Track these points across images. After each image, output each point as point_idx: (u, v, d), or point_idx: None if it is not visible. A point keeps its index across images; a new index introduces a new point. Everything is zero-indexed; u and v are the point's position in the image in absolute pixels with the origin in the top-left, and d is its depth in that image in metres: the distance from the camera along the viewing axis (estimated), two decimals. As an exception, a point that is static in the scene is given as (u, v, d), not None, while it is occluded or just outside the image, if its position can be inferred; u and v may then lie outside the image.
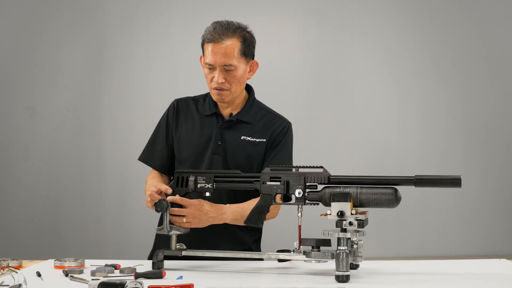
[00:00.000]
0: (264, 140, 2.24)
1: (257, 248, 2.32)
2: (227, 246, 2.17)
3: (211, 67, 2.16)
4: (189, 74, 4.04)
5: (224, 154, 2.22)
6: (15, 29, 4.00)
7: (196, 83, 4.03)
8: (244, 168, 2.06)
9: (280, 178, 1.88)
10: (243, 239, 2.25)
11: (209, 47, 2.14)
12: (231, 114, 2.26)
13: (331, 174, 1.85)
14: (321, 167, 1.86)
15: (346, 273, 1.71)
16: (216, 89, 2.18)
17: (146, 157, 2.35)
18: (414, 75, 4.13)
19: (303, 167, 1.87)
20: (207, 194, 1.95)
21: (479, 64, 4.13)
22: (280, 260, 1.93)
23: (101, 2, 4.03)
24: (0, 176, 3.96)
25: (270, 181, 1.89)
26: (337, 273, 1.72)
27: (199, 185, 1.94)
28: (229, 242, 2.21)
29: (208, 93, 2.32)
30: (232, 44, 2.14)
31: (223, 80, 2.15)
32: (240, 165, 2.18)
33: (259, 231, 2.33)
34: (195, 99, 2.35)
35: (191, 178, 1.94)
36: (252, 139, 2.23)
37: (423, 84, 4.12)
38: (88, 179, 3.98)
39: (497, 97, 4.13)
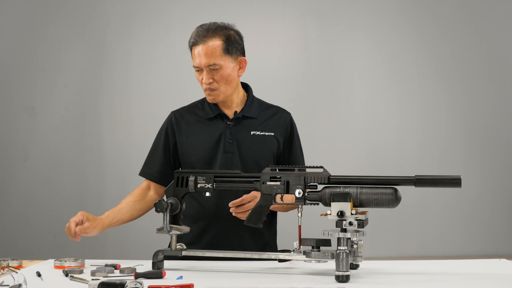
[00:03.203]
0: (272, 134, 2.29)
1: (275, 241, 2.37)
2: (251, 241, 2.23)
3: (198, 69, 2.21)
4: (189, 74, 4.02)
5: (238, 151, 2.24)
6: (15, 29, 4.00)
7: (196, 84, 4.04)
8: (261, 163, 2.07)
9: (280, 178, 1.88)
10: (262, 232, 2.28)
11: (194, 50, 2.21)
12: (235, 112, 2.28)
13: (331, 174, 1.85)
14: (321, 167, 1.86)
15: (346, 273, 1.71)
16: (206, 90, 2.22)
17: (145, 171, 2.38)
18: (414, 75, 4.13)
19: (303, 167, 1.87)
20: (207, 194, 1.95)
21: (479, 64, 4.14)
22: (280, 261, 1.93)
23: (101, 2, 4.03)
24: (0, 176, 3.96)
25: (270, 181, 1.89)
26: (337, 273, 1.72)
27: (199, 185, 1.94)
28: (251, 237, 2.24)
29: (204, 97, 2.34)
30: (214, 44, 2.17)
31: (211, 80, 2.20)
32: (257, 160, 2.21)
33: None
34: (191, 106, 2.37)
35: (191, 178, 1.94)
36: (262, 133, 2.28)
37: (423, 84, 4.12)
38: (88, 179, 3.98)
39: (497, 97, 4.13)
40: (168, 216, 1.91)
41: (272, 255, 1.90)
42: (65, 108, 4.00)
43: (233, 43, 2.21)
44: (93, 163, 3.98)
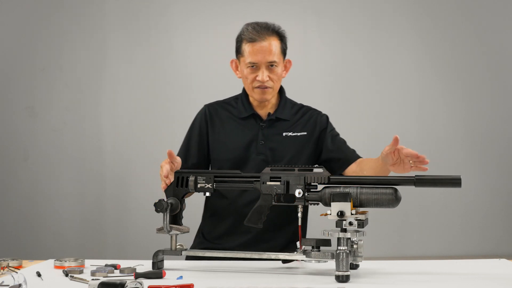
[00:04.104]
0: (305, 133, 2.31)
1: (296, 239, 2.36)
2: (279, 238, 2.25)
3: (255, 66, 2.21)
4: (189, 74, 4.04)
5: (270, 153, 2.25)
6: (15, 29, 4.00)
7: (196, 83, 4.04)
8: (294, 164, 2.07)
9: (280, 178, 1.88)
10: (291, 229, 2.28)
11: (251, 47, 2.21)
12: (269, 113, 2.30)
13: (331, 174, 1.85)
14: (321, 167, 1.86)
15: (346, 273, 1.71)
16: (259, 87, 2.23)
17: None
18: (414, 75, 4.13)
19: (303, 167, 1.87)
20: (207, 194, 1.96)
21: (478, 64, 4.14)
22: (284, 261, 1.93)
23: (101, 2, 4.03)
24: (0, 176, 3.96)
25: (270, 181, 1.89)
26: (337, 273, 1.72)
27: (199, 185, 1.94)
28: (279, 235, 2.25)
29: (239, 95, 2.37)
30: (274, 42, 2.23)
31: (268, 78, 2.21)
32: (289, 161, 2.22)
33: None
34: (225, 103, 2.38)
35: (191, 178, 1.94)
36: (293, 134, 2.30)
37: (423, 84, 4.12)
38: (88, 179, 3.97)
39: (496, 97, 4.13)
40: (168, 216, 1.91)
41: (272, 255, 1.90)
42: (65, 108, 4.00)
43: (285, 45, 2.29)
44: (93, 163, 3.98)
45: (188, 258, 2.26)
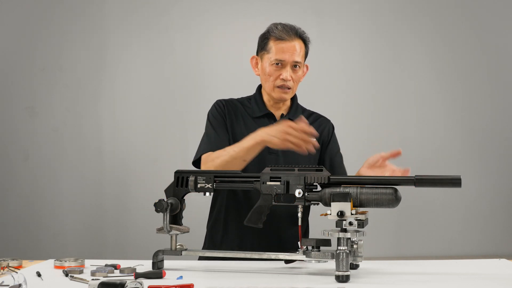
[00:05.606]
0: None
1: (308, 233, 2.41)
2: (290, 235, 2.25)
3: (281, 63, 2.23)
4: (189, 74, 4.04)
5: (282, 153, 2.26)
6: (15, 29, 4.00)
7: (196, 83, 4.04)
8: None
9: (280, 178, 1.88)
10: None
11: (279, 44, 2.23)
12: (282, 114, 2.33)
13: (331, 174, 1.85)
14: (321, 167, 1.86)
15: (346, 273, 1.71)
16: (281, 87, 2.25)
17: (212, 148, 2.24)
18: (414, 75, 4.13)
19: (303, 167, 1.87)
20: (207, 194, 1.95)
21: (478, 65, 4.14)
22: (287, 262, 1.93)
23: (101, 2, 4.03)
24: (0, 176, 3.96)
25: (270, 181, 1.89)
26: (337, 273, 1.72)
27: (199, 185, 1.94)
28: (290, 234, 2.26)
29: (252, 95, 2.38)
30: (301, 44, 2.26)
31: (290, 78, 2.24)
32: (299, 163, 2.20)
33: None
34: (238, 100, 2.39)
35: (191, 178, 1.94)
36: None
37: (422, 84, 4.13)
38: (88, 179, 3.98)
39: (496, 98, 4.13)
40: (168, 216, 1.91)
41: (272, 255, 1.90)
42: (65, 108, 4.00)
43: (308, 49, 2.31)
44: (93, 163, 3.98)
45: (201, 258, 2.27)
